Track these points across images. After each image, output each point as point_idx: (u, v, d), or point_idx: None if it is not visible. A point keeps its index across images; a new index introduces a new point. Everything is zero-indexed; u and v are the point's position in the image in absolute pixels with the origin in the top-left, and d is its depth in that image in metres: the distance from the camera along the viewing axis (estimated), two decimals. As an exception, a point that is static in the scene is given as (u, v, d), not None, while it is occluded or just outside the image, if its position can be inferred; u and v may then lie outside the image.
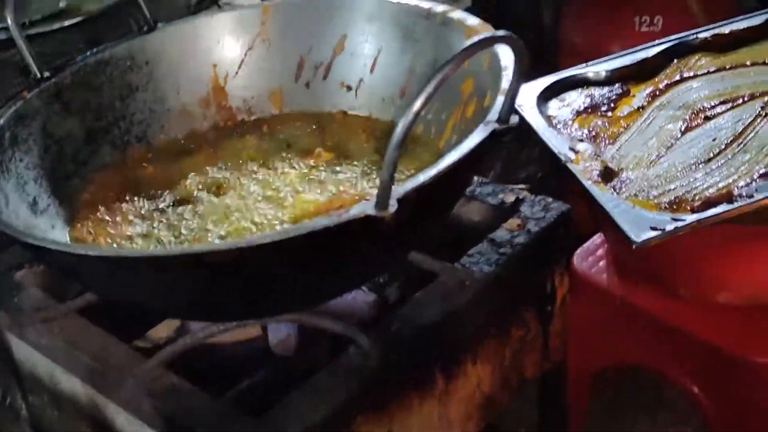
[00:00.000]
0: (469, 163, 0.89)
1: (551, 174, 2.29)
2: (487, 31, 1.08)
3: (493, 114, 0.92)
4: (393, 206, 0.81)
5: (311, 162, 1.17)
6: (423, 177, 0.85)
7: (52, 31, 1.42)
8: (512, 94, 0.91)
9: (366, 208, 0.81)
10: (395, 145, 0.79)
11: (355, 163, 1.17)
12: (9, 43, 1.41)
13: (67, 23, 1.43)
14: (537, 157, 2.37)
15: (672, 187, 1.11)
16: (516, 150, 2.29)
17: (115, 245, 1.06)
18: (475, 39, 0.83)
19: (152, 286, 0.90)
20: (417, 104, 0.79)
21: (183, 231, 1.08)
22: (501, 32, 0.84)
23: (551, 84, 1.37)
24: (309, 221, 0.90)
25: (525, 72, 0.88)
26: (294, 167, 1.16)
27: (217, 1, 1.58)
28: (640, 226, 1.04)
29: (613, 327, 1.31)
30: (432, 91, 0.79)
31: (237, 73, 1.27)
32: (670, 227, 1.03)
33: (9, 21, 1.15)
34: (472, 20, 1.12)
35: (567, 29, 2.08)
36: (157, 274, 0.87)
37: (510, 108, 0.92)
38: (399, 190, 0.82)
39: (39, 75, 1.17)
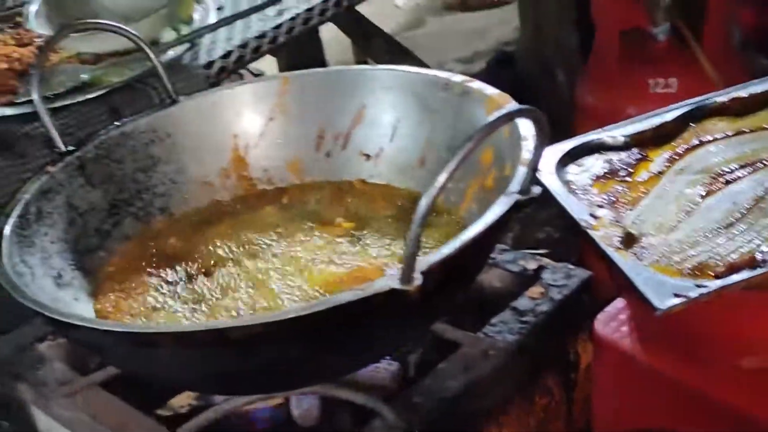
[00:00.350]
0: (492, 234, 0.90)
1: (568, 235, 2.30)
2: (506, 101, 1.09)
3: (515, 185, 0.93)
4: (418, 279, 0.81)
5: (332, 232, 1.17)
6: (447, 249, 0.85)
7: (75, 103, 1.44)
8: (533, 165, 0.92)
9: (390, 281, 0.82)
10: (419, 220, 0.79)
11: (376, 232, 1.17)
12: (32, 116, 1.43)
13: (89, 96, 1.45)
14: (554, 218, 2.38)
15: (694, 252, 1.11)
16: (533, 212, 2.30)
17: (138, 318, 1.07)
18: (499, 113, 0.83)
19: (175, 360, 0.90)
20: (441, 179, 0.80)
21: (206, 303, 1.08)
22: (523, 106, 0.85)
23: (569, 149, 1.38)
24: (333, 295, 0.90)
25: (546, 143, 0.89)
26: (315, 237, 1.17)
27: (237, 71, 1.60)
28: (664, 293, 1.04)
29: (636, 391, 1.30)
30: (455, 167, 0.80)
31: (257, 143, 1.29)
32: (693, 294, 1.03)
33: (34, 96, 1.17)
34: (491, 90, 1.13)
35: (582, 92, 2.10)
36: (180, 350, 0.87)
37: (531, 179, 0.92)
38: (423, 263, 0.83)
39: (63, 148, 1.18)
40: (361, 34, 2.61)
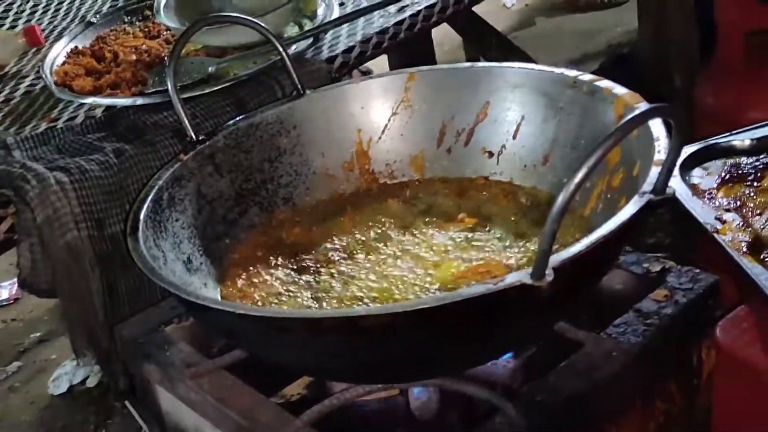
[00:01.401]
0: (623, 234, 0.89)
1: (680, 241, 2.25)
2: (638, 101, 1.08)
3: (648, 185, 0.92)
4: (549, 276, 0.81)
5: (455, 227, 1.17)
6: (579, 247, 0.85)
7: (201, 94, 1.48)
8: (669, 165, 0.90)
9: (522, 276, 0.82)
10: (555, 216, 0.79)
11: (498, 229, 1.17)
12: (161, 106, 1.48)
13: (216, 88, 1.49)
14: (666, 224, 2.34)
15: (827, 260, 1.08)
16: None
17: (263, 305, 1.09)
18: (640, 110, 0.83)
19: (304, 346, 0.92)
20: (579, 176, 0.79)
21: (329, 293, 1.10)
22: (666, 105, 0.83)
23: (694, 152, 1.35)
24: (464, 288, 0.91)
25: (684, 143, 0.88)
26: (438, 232, 1.17)
27: (358, 66, 1.62)
28: (795, 300, 1.01)
29: (759, 401, 1.27)
30: (594, 163, 0.79)
31: (380, 138, 1.30)
32: (827, 302, 1.00)
33: (170, 86, 1.20)
34: (620, 90, 1.12)
35: (702, 94, 2.05)
36: (310, 336, 0.89)
37: (666, 179, 0.91)
38: (555, 259, 0.82)
39: (194, 138, 1.22)
40: (474, 33, 2.61)
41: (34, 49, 1.85)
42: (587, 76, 1.17)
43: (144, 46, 1.69)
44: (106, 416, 2.16)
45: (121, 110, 1.50)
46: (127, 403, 2.15)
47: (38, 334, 2.54)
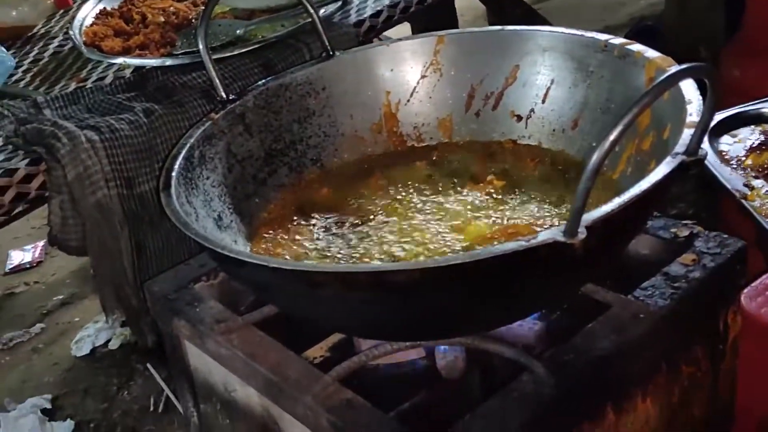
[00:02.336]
0: (656, 195, 0.89)
1: (703, 212, 2.25)
2: (670, 64, 1.08)
3: (680, 146, 0.92)
4: (582, 234, 0.82)
5: (483, 189, 1.18)
6: (612, 206, 0.85)
7: (230, 56, 1.48)
8: (703, 126, 0.90)
9: (555, 234, 0.82)
10: (590, 173, 0.80)
11: (525, 191, 1.17)
12: (190, 67, 1.49)
13: (244, 50, 1.49)
14: (689, 193, 2.33)
15: None
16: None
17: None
18: (677, 69, 0.82)
19: (335, 301, 0.93)
20: (615, 133, 0.79)
21: (358, 251, 1.11)
22: (701, 64, 0.83)
23: (723, 119, 1.35)
24: (497, 245, 0.91)
25: (719, 103, 0.88)
26: (466, 193, 1.18)
27: (385, 30, 1.62)
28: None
29: (783, 370, 1.27)
30: (631, 120, 0.79)
31: (409, 100, 1.31)
32: None
33: (201, 46, 1.21)
34: (652, 53, 1.11)
35: (728, 67, 2.04)
36: (342, 290, 0.89)
37: (699, 140, 0.91)
38: (588, 218, 0.83)
39: (225, 97, 1.22)
40: (498, 1, 2.60)
41: (62, 11, 1.86)
42: (618, 40, 1.17)
43: (172, 8, 1.70)
44: (128, 378, 2.19)
45: (150, 71, 1.51)
46: (148, 365, 2.18)
47: (61, 297, 2.56)
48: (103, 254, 1.36)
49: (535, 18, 2.60)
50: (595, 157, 0.79)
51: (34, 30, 1.79)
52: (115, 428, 2.03)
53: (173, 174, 1.08)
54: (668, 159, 0.91)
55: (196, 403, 1.25)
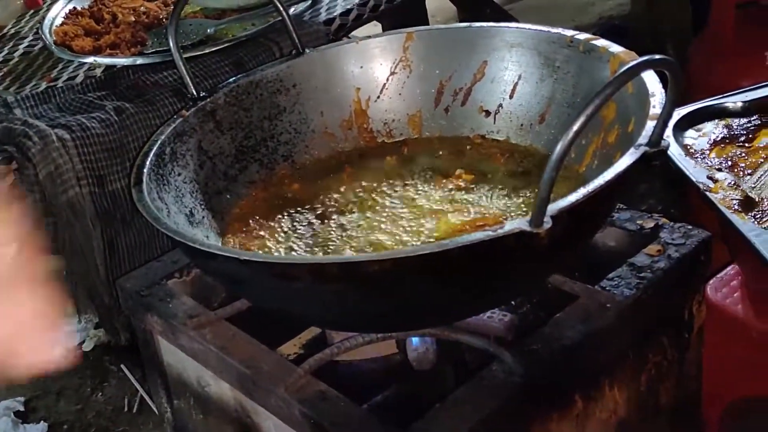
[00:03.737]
0: (619, 185, 0.91)
1: (672, 207, 2.28)
2: (632, 58, 1.09)
3: (643, 137, 0.94)
4: (547, 223, 0.83)
5: (452, 183, 1.19)
6: (577, 196, 0.87)
7: (201, 55, 1.49)
8: (665, 118, 0.92)
9: (521, 224, 0.84)
10: (555, 163, 0.81)
11: (494, 185, 1.19)
12: (161, 66, 1.50)
13: (214, 48, 1.50)
14: (657, 191, 2.36)
15: (817, 217, 1.11)
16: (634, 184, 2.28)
17: (264, 257, 1.10)
18: (638, 60, 0.84)
19: (307, 293, 0.94)
20: (578, 123, 0.81)
21: (328, 246, 1.12)
22: (663, 57, 0.85)
23: (687, 114, 1.38)
24: (464, 236, 0.93)
25: (680, 96, 0.90)
26: (435, 187, 1.19)
27: (355, 29, 1.63)
28: (785, 255, 1.04)
29: (748, 358, 1.30)
30: (593, 111, 0.81)
31: (379, 97, 1.32)
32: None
33: (172, 45, 1.21)
34: (616, 48, 1.13)
35: (694, 64, 2.07)
36: (313, 282, 0.90)
37: (661, 132, 0.93)
38: (553, 207, 0.84)
39: (195, 94, 1.23)
40: (469, 2, 2.62)
41: (32, 11, 1.86)
42: (583, 35, 1.19)
43: (142, 7, 1.70)
44: (102, 379, 2.18)
45: (121, 70, 1.52)
46: (122, 366, 2.18)
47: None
48: (75, 253, 1.36)
49: (506, 18, 2.62)
50: (558, 148, 0.81)
51: (4, 30, 1.79)
52: (89, 429, 2.04)
53: (144, 170, 1.09)
54: (631, 150, 0.93)
55: (170, 399, 1.26)
